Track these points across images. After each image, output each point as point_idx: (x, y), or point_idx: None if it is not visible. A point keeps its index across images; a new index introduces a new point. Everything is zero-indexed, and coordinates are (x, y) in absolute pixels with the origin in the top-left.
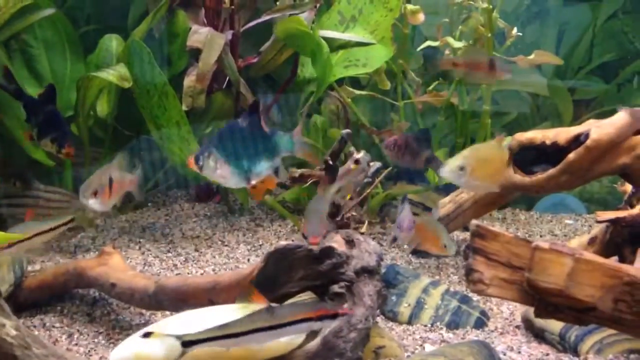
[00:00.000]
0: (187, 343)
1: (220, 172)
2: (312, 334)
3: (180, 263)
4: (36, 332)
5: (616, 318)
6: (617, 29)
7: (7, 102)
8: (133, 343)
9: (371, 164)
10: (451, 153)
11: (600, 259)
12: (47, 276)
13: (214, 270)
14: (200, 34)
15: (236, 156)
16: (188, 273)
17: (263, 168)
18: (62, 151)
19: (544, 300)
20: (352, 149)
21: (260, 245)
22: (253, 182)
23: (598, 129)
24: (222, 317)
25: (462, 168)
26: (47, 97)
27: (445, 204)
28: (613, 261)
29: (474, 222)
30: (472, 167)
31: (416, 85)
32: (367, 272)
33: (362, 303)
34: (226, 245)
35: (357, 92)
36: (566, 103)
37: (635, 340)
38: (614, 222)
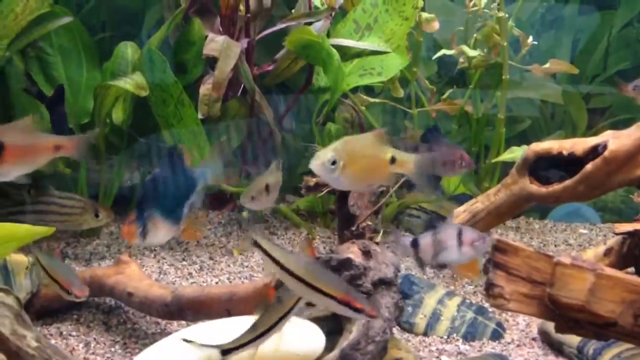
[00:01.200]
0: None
1: (158, 232)
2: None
3: (195, 271)
4: (53, 341)
5: (636, 334)
6: (632, 37)
7: (27, 106)
8: (150, 355)
9: None
10: None
11: (621, 274)
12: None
13: (228, 279)
14: (216, 42)
15: (167, 209)
16: (203, 282)
17: (187, 210)
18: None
19: (565, 316)
20: None
21: None
22: (182, 228)
23: (616, 140)
24: (240, 329)
25: (333, 162)
26: (57, 98)
27: (460, 214)
28: (634, 276)
29: (495, 236)
30: (345, 161)
31: (430, 92)
32: (384, 283)
33: (379, 315)
34: (241, 254)
35: (371, 99)
36: (580, 111)
37: None
38: (632, 234)
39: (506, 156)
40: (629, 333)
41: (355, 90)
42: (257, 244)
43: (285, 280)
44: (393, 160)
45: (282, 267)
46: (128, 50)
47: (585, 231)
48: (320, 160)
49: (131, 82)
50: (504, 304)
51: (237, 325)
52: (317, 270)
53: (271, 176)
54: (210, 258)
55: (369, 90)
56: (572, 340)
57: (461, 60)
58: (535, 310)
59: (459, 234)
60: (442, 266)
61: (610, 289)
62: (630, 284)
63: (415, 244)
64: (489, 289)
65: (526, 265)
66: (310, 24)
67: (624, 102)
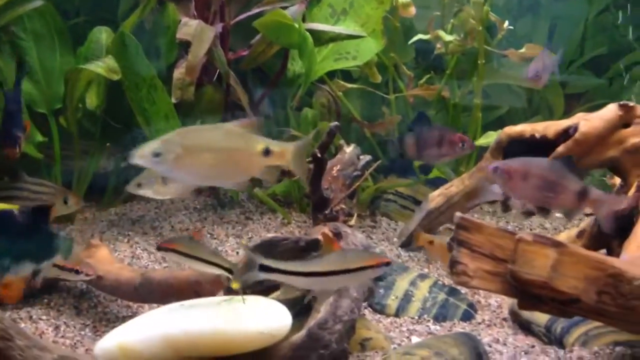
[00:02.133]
0: (265, 267)
1: None
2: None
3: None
4: (22, 325)
5: (600, 310)
6: (608, 22)
7: None
8: (116, 334)
9: (361, 157)
10: None
11: (584, 251)
12: None
13: None
14: (189, 26)
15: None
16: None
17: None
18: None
19: (527, 292)
20: (342, 141)
21: (249, 238)
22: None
23: (587, 122)
24: (207, 310)
25: (158, 154)
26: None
27: (435, 198)
28: (597, 253)
29: (458, 214)
30: (178, 153)
31: (408, 78)
32: None
33: (347, 295)
34: (215, 239)
35: (349, 85)
36: (557, 97)
37: (620, 332)
38: None
39: (482, 141)
40: (592, 310)
41: (332, 75)
42: (267, 269)
43: (323, 283)
44: (268, 151)
45: (313, 274)
46: (102, 35)
47: (561, 215)
48: (142, 151)
49: (103, 66)
50: (467, 281)
51: (206, 306)
52: (346, 256)
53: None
54: None
55: (346, 75)
56: (541, 319)
57: (438, 45)
58: (498, 287)
59: None
60: (529, 213)
61: (573, 266)
62: (593, 261)
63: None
64: (453, 266)
65: (489, 243)
66: (285, 8)
67: (600, 87)
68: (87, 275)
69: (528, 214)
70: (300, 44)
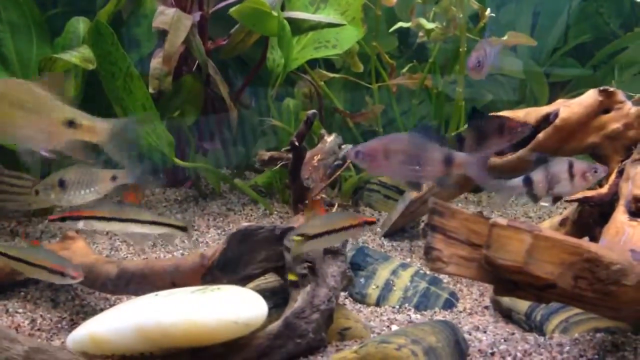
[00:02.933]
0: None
1: None
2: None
3: (148, 247)
4: None
5: (577, 295)
6: (592, 10)
7: None
8: (88, 325)
9: (342, 146)
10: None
11: (560, 236)
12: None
13: (182, 254)
14: (166, 15)
15: None
16: (156, 257)
17: None
18: None
19: (503, 278)
20: (323, 131)
21: (230, 229)
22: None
23: (567, 108)
24: (180, 300)
25: None
26: None
27: None
28: (573, 238)
29: (432, 199)
30: None
31: (390, 67)
32: (330, 252)
33: (325, 284)
34: (196, 230)
35: (331, 74)
36: (541, 85)
37: (600, 319)
38: (582, 201)
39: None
40: (569, 295)
41: (314, 65)
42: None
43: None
44: (73, 123)
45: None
46: (80, 25)
47: (545, 204)
48: None
49: (77, 55)
50: (442, 267)
51: (179, 296)
52: (333, 218)
53: (70, 172)
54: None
55: (329, 65)
56: (521, 306)
57: (420, 34)
58: (474, 273)
59: (570, 167)
60: (556, 199)
61: (548, 250)
62: (569, 246)
63: (528, 180)
64: (428, 252)
65: (464, 228)
66: None
67: (584, 76)
68: (72, 278)
69: (556, 199)
70: (278, 32)
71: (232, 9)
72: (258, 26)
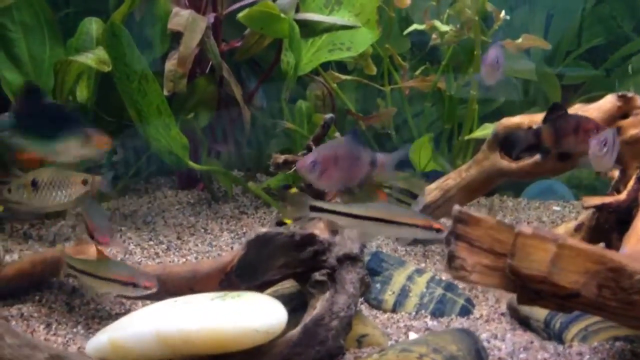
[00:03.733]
0: (314, 208)
1: None
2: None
3: (162, 251)
4: (14, 323)
5: (600, 304)
6: (605, 13)
7: None
8: (108, 331)
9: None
10: (438, 139)
11: (584, 245)
12: (25, 265)
13: (196, 258)
14: (181, 17)
15: None
16: (170, 261)
17: None
18: None
19: (526, 287)
20: (337, 134)
21: (244, 232)
22: None
23: (585, 114)
24: (200, 307)
25: None
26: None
27: (432, 191)
28: (597, 247)
29: (456, 207)
30: None
31: (403, 70)
32: (349, 259)
33: (344, 291)
34: (209, 233)
35: (343, 77)
36: (554, 88)
37: (620, 328)
38: (600, 207)
39: (479, 133)
40: (592, 304)
41: (327, 67)
42: (316, 209)
43: (366, 227)
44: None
45: (361, 217)
46: (93, 25)
47: (558, 208)
48: None
49: (93, 58)
50: (465, 276)
51: (199, 303)
52: (390, 209)
53: (43, 173)
54: (178, 238)
55: (341, 67)
56: (539, 314)
57: (434, 36)
58: (497, 282)
59: None
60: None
61: (572, 260)
62: (593, 254)
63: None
64: (451, 261)
65: (488, 237)
66: None
67: (597, 79)
68: (145, 288)
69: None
70: (288, 34)
71: (240, 14)
72: (267, 29)
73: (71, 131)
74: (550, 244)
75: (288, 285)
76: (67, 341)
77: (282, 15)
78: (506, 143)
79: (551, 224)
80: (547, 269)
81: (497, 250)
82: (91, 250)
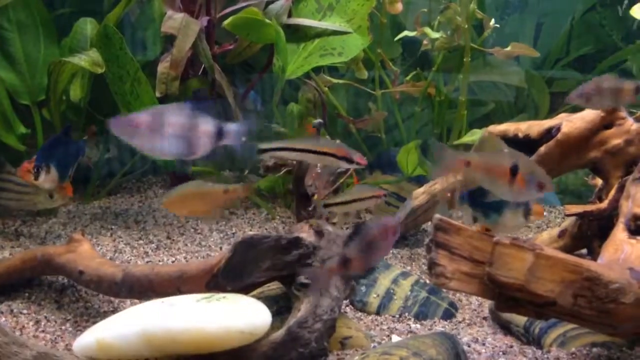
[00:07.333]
0: (262, 150)
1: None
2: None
3: (152, 250)
4: (3, 319)
5: (576, 313)
6: (594, 21)
7: None
8: (95, 330)
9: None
10: (426, 145)
11: (561, 254)
12: (15, 262)
13: (185, 258)
14: (174, 20)
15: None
16: (159, 261)
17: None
18: None
19: (504, 295)
20: (326, 137)
21: (233, 233)
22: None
23: (569, 123)
24: (186, 307)
25: None
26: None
27: (419, 195)
28: (573, 257)
29: (437, 215)
30: None
31: (394, 74)
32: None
33: (328, 294)
34: (199, 233)
35: (334, 80)
36: (543, 95)
37: (597, 334)
38: (582, 215)
39: (467, 138)
40: (568, 312)
41: (318, 71)
42: (263, 150)
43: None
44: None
45: (299, 150)
46: (87, 26)
47: (544, 214)
48: None
49: (86, 59)
50: (445, 283)
51: (185, 303)
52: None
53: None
54: (168, 237)
55: (333, 71)
56: (519, 320)
57: (425, 42)
58: (476, 289)
59: None
60: None
61: (549, 269)
62: (569, 264)
63: None
64: (432, 267)
65: (468, 245)
66: (272, 2)
67: None
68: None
69: None
70: (275, 39)
71: (225, 22)
72: (252, 35)
73: None
74: (527, 253)
75: (273, 287)
76: (56, 338)
77: (267, 20)
78: None
79: (537, 229)
80: (524, 278)
81: (476, 258)
82: (81, 248)
